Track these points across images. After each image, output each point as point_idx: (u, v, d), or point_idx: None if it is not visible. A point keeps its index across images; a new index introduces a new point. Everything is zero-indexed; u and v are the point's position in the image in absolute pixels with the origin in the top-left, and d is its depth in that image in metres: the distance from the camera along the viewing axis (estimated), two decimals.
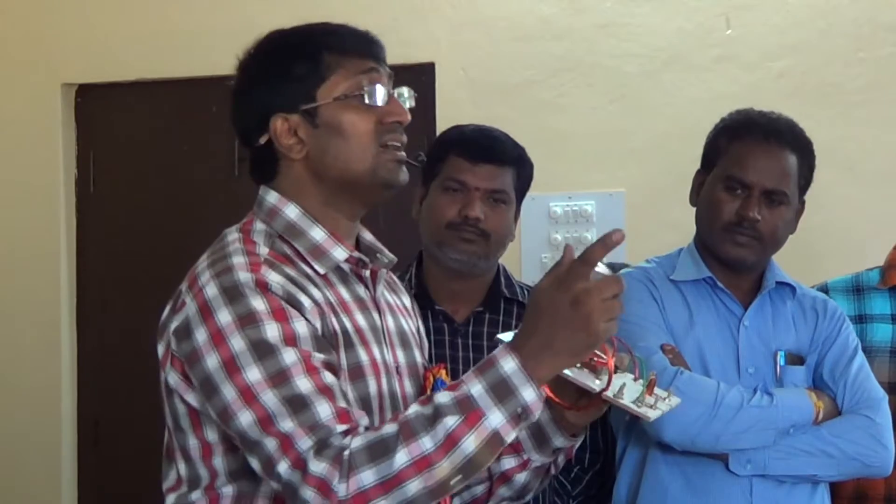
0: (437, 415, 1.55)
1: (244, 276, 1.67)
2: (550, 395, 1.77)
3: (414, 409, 1.58)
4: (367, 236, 1.90)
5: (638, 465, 2.45)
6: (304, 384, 1.60)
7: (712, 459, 2.36)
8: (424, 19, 3.92)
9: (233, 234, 1.78)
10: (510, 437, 1.57)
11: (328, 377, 1.63)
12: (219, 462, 1.71)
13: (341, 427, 1.58)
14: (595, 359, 1.71)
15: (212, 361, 1.63)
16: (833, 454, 2.36)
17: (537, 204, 3.63)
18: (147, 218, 4.19)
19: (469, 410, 1.55)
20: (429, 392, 1.79)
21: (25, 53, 4.22)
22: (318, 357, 1.65)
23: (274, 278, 1.68)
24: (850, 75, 3.68)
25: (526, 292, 2.63)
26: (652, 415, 1.72)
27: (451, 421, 1.54)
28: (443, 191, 2.52)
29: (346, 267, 1.81)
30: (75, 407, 4.25)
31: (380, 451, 1.54)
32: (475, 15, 3.91)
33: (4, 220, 4.24)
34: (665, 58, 3.79)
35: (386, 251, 1.90)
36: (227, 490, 1.72)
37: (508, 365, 1.57)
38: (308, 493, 1.55)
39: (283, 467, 1.58)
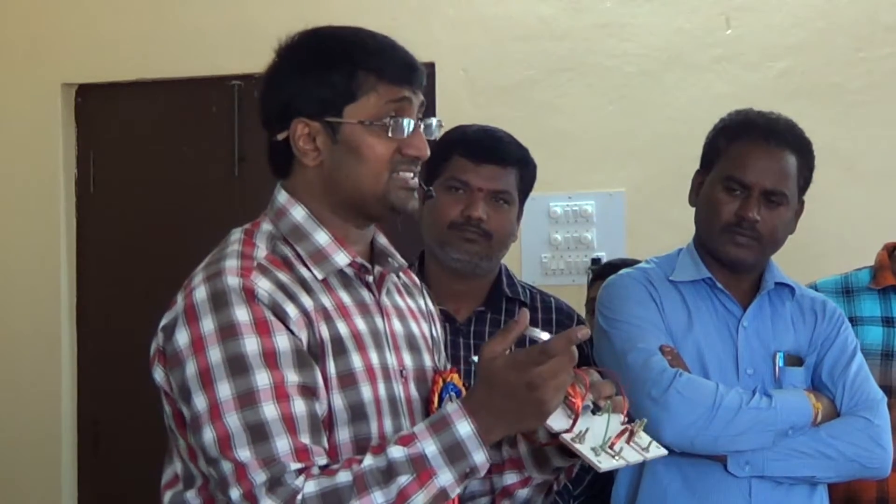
0: (390, 471, 1.59)
1: (233, 281, 1.67)
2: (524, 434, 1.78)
3: (368, 461, 1.60)
4: (382, 240, 1.90)
5: (636, 466, 2.44)
6: (269, 411, 1.61)
7: (711, 461, 2.36)
8: (424, 19, 3.93)
9: (236, 235, 1.78)
10: (455, 493, 1.63)
11: (297, 405, 1.64)
12: (203, 465, 1.71)
13: (296, 465, 1.60)
14: (569, 399, 1.69)
15: (189, 368, 1.65)
16: (832, 456, 2.35)
17: (537, 204, 3.62)
18: (147, 218, 4.19)
19: (421, 469, 1.59)
20: (436, 398, 1.81)
21: (25, 53, 4.22)
22: (293, 382, 1.65)
23: (263, 285, 1.68)
24: (850, 75, 3.68)
25: (528, 292, 2.63)
26: (604, 465, 1.70)
27: (403, 479, 1.59)
28: (446, 191, 2.52)
29: (349, 271, 1.80)
30: (75, 407, 4.25)
31: (333, 501, 1.57)
32: (475, 15, 3.91)
33: (4, 220, 4.25)
34: (665, 58, 3.79)
35: (397, 255, 1.89)
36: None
37: (464, 429, 1.61)
38: None
39: (234, 494, 1.60)
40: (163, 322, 1.71)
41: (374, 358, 1.76)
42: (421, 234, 2.59)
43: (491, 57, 3.89)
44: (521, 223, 2.64)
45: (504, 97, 3.85)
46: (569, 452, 1.80)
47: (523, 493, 1.90)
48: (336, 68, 1.77)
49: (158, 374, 1.72)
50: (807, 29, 3.71)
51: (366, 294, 1.82)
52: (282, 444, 1.60)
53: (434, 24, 3.93)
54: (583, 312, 2.75)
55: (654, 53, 3.80)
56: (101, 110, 4.25)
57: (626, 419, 1.75)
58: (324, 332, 1.71)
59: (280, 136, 1.79)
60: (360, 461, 1.60)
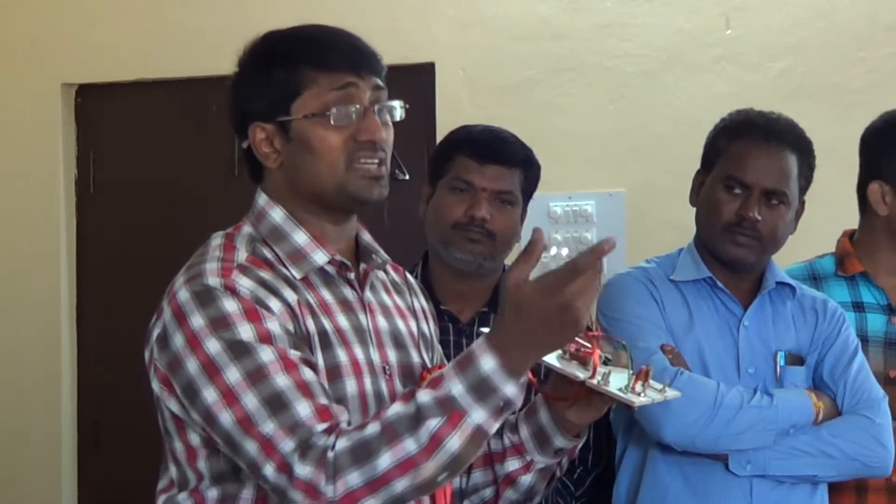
0: (419, 416, 1.56)
1: (213, 280, 1.68)
2: (540, 388, 1.78)
3: (396, 408, 1.58)
4: (366, 237, 1.90)
5: (638, 465, 2.45)
6: (282, 381, 1.61)
7: (712, 460, 2.36)
8: (424, 19, 3.93)
9: (216, 240, 1.79)
10: (493, 429, 1.59)
11: (307, 373, 1.64)
12: (202, 465, 1.72)
13: (322, 425, 1.59)
14: (582, 350, 1.72)
15: (191, 366, 1.65)
16: (833, 455, 2.36)
17: (537, 204, 3.57)
18: (147, 218, 4.19)
19: (451, 410, 1.56)
20: None
21: (25, 53, 4.22)
22: (295, 354, 1.65)
23: (244, 283, 1.69)
24: (850, 75, 3.68)
25: None
26: (637, 401, 1.71)
27: (433, 422, 1.55)
28: (449, 191, 2.52)
29: (330, 269, 1.81)
30: (75, 407, 4.25)
31: (364, 453, 1.55)
32: (475, 15, 3.91)
33: (4, 220, 4.25)
34: (665, 58, 3.79)
35: (381, 252, 1.89)
36: (212, 493, 1.73)
37: (488, 364, 1.56)
38: (297, 495, 1.56)
39: (268, 470, 1.59)
40: (155, 332, 1.72)
41: (358, 353, 1.76)
42: (425, 234, 2.59)
43: (491, 57, 3.89)
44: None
45: (504, 97, 3.84)
46: (572, 433, 1.83)
47: (526, 479, 1.91)
48: (278, 67, 1.77)
49: (156, 384, 1.73)
50: (807, 29, 3.71)
51: (348, 291, 1.82)
52: (303, 408, 1.59)
53: (434, 24, 3.93)
54: None
55: (654, 53, 3.80)
56: (101, 110, 4.25)
57: (632, 372, 1.76)
58: (310, 325, 1.72)
59: (245, 144, 1.81)
60: (391, 410, 1.58)
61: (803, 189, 2.49)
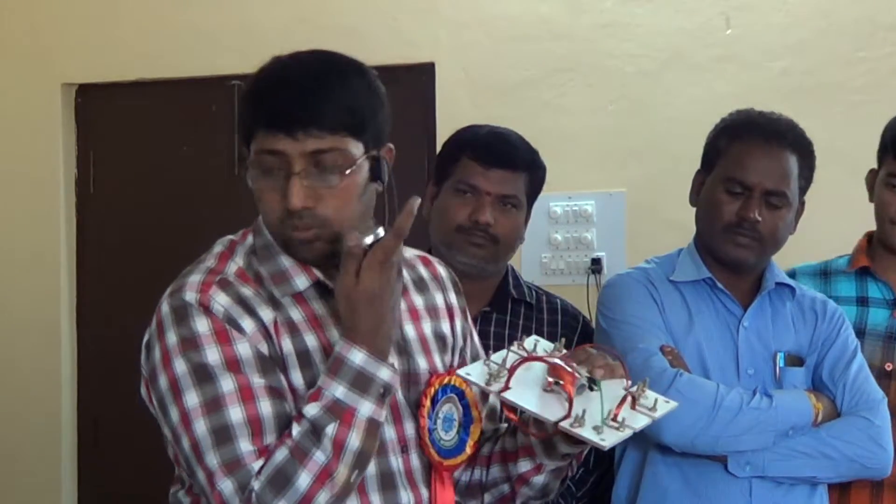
0: (316, 428, 1.62)
1: (190, 296, 1.70)
2: (520, 425, 1.79)
3: (295, 429, 1.63)
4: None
5: (637, 466, 2.45)
6: (234, 414, 1.64)
7: (711, 461, 2.36)
8: (424, 19, 3.93)
9: (217, 248, 1.81)
10: (383, 416, 1.67)
11: (264, 407, 1.66)
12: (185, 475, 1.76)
13: (259, 464, 1.62)
14: (560, 384, 1.71)
15: (162, 382, 1.69)
16: (832, 456, 2.35)
17: (537, 204, 3.58)
18: (147, 218, 4.19)
19: (341, 412, 1.63)
20: (427, 401, 1.81)
21: (25, 53, 4.22)
22: (259, 383, 1.67)
23: (220, 300, 1.70)
24: (850, 75, 3.68)
25: (535, 293, 2.62)
26: (608, 441, 1.69)
27: (330, 429, 1.61)
28: (454, 193, 2.51)
29: (311, 293, 1.79)
30: (75, 407, 4.25)
31: (283, 479, 1.60)
32: (475, 15, 3.91)
33: (4, 219, 4.25)
34: (665, 58, 3.79)
35: None
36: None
37: (358, 357, 1.64)
38: None
39: (212, 500, 1.64)
40: (145, 338, 1.75)
41: None
42: (428, 235, 2.58)
43: (491, 57, 3.89)
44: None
45: (504, 97, 3.84)
46: (573, 438, 1.81)
47: (539, 479, 1.93)
48: (243, 104, 1.77)
49: (143, 392, 1.76)
50: (807, 29, 3.71)
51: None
52: (245, 446, 1.62)
53: (434, 24, 3.93)
54: (585, 312, 2.75)
55: (654, 53, 3.80)
56: (101, 110, 4.25)
57: (629, 383, 1.75)
58: (286, 345, 1.73)
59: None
60: (290, 434, 1.63)
61: (803, 189, 2.49)
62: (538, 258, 3.83)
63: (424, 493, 1.81)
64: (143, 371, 1.75)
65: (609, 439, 1.69)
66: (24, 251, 4.22)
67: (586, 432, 1.69)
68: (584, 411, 1.69)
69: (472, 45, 3.90)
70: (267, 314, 1.72)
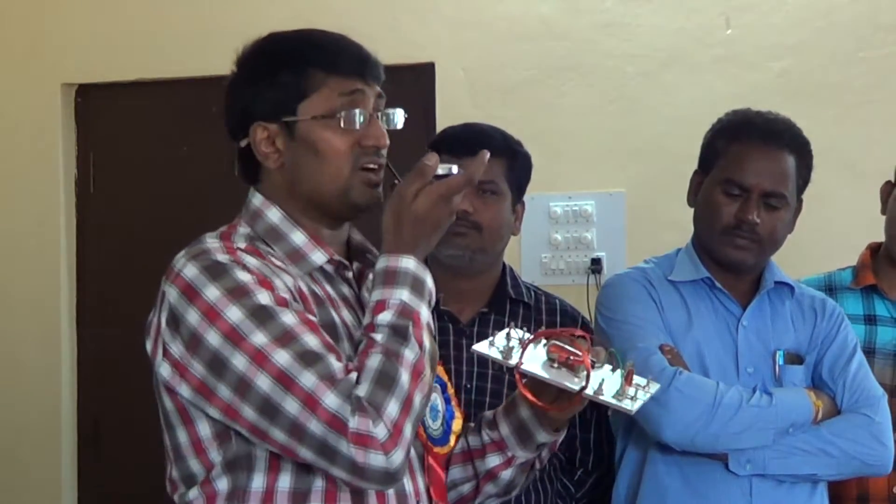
0: (397, 330, 1.64)
1: (222, 256, 1.69)
2: (531, 397, 1.78)
3: (376, 336, 1.65)
4: (357, 236, 1.92)
5: (637, 465, 2.45)
6: (312, 340, 1.63)
7: (712, 459, 2.36)
8: (424, 19, 3.93)
9: (210, 236, 1.79)
10: (427, 320, 1.70)
11: (327, 337, 1.67)
12: (214, 455, 1.71)
13: (353, 375, 1.62)
14: (571, 357, 1.73)
15: (213, 338, 1.64)
16: (832, 453, 2.35)
17: (537, 204, 3.63)
18: (147, 218, 4.19)
19: (412, 314, 1.67)
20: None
21: (25, 53, 4.22)
22: (312, 318, 1.68)
23: (249, 260, 1.70)
24: (850, 75, 3.68)
25: (533, 293, 2.62)
26: (633, 407, 1.75)
27: (410, 330, 1.65)
28: None
29: (329, 268, 1.82)
30: (75, 407, 4.25)
31: (388, 380, 1.61)
32: (475, 15, 3.91)
33: (4, 219, 4.25)
34: (665, 58, 3.79)
35: (374, 251, 1.89)
36: (222, 483, 1.71)
37: (410, 263, 1.70)
38: (350, 449, 1.58)
39: (315, 427, 1.59)
40: (163, 317, 1.69)
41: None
42: None
43: (491, 57, 3.89)
44: (521, 223, 2.63)
45: (504, 97, 3.85)
46: (554, 427, 1.86)
47: (507, 473, 1.94)
48: (286, 68, 1.78)
49: (165, 370, 1.70)
50: (807, 29, 3.71)
51: (346, 290, 1.83)
52: (335, 363, 1.62)
53: (434, 24, 3.93)
54: (585, 312, 2.75)
55: (654, 53, 3.80)
56: (101, 110, 4.25)
57: (615, 366, 1.80)
58: (317, 314, 1.73)
59: (242, 143, 1.81)
60: (374, 341, 1.65)
61: (801, 189, 2.49)
62: (538, 258, 3.83)
63: (421, 482, 1.82)
64: (172, 347, 1.67)
65: (634, 405, 1.74)
66: (24, 251, 4.22)
67: (610, 399, 1.73)
68: (602, 381, 1.73)
69: (472, 45, 3.90)
70: (289, 280, 1.72)
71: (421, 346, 1.65)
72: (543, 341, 1.78)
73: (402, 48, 3.83)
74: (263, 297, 1.65)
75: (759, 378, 2.41)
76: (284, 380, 1.60)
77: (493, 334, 1.84)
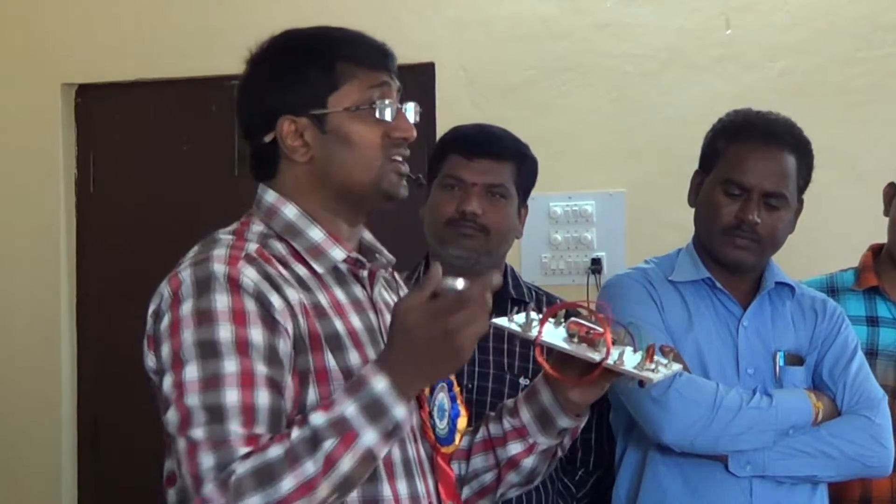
0: (315, 438, 1.57)
1: (218, 268, 1.67)
2: (554, 373, 1.78)
3: (295, 432, 1.59)
4: (367, 236, 1.91)
5: (637, 466, 2.45)
6: (231, 397, 1.61)
7: (712, 461, 2.36)
8: (424, 19, 3.93)
9: (223, 233, 1.78)
10: (382, 453, 1.61)
11: (261, 397, 1.63)
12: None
13: (245, 450, 1.58)
14: (591, 332, 1.74)
15: (165, 349, 1.66)
16: (833, 455, 2.36)
17: (537, 204, 3.61)
18: (147, 218, 4.19)
19: (344, 431, 1.57)
20: (427, 387, 1.80)
21: (25, 53, 4.22)
22: (262, 373, 1.64)
23: (249, 274, 1.67)
24: (850, 75, 3.68)
25: (535, 293, 2.62)
26: (654, 377, 1.74)
27: (328, 444, 1.57)
28: (441, 188, 2.52)
29: (343, 268, 1.81)
30: (75, 407, 4.25)
31: (267, 476, 1.56)
32: (475, 15, 3.91)
33: (4, 220, 4.25)
34: (665, 58, 3.79)
35: (385, 252, 1.90)
36: None
37: (380, 385, 1.58)
38: None
39: (185, 471, 1.60)
40: (151, 307, 1.73)
41: (370, 355, 1.76)
42: (424, 237, 2.58)
43: (491, 57, 3.89)
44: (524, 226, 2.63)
45: (504, 97, 3.85)
46: (575, 412, 1.85)
47: (528, 461, 1.92)
48: (314, 62, 1.78)
49: (150, 360, 1.73)
50: (807, 29, 3.71)
51: (359, 290, 1.82)
52: (234, 429, 1.59)
53: (434, 24, 3.93)
54: None
55: (654, 53, 3.80)
56: (101, 110, 4.25)
57: (635, 348, 1.79)
58: (317, 326, 1.71)
59: (267, 138, 1.80)
60: (290, 434, 1.59)
61: (802, 189, 2.49)
62: (538, 258, 3.83)
63: (430, 481, 1.81)
64: (151, 337, 1.71)
65: (655, 376, 1.73)
66: (24, 251, 4.22)
67: (631, 369, 1.73)
68: (620, 353, 1.73)
69: (472, 45, 3.90)
70: (293, 294, 1.71)
71: (329, 466, 1.56)
72: (563, 322, 1.78)
73: (403, 48, 3.77)
74: (223, 332, 1.63)
75: (760, 379, 2.41)
76: (184, 420, 1.61)
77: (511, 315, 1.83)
